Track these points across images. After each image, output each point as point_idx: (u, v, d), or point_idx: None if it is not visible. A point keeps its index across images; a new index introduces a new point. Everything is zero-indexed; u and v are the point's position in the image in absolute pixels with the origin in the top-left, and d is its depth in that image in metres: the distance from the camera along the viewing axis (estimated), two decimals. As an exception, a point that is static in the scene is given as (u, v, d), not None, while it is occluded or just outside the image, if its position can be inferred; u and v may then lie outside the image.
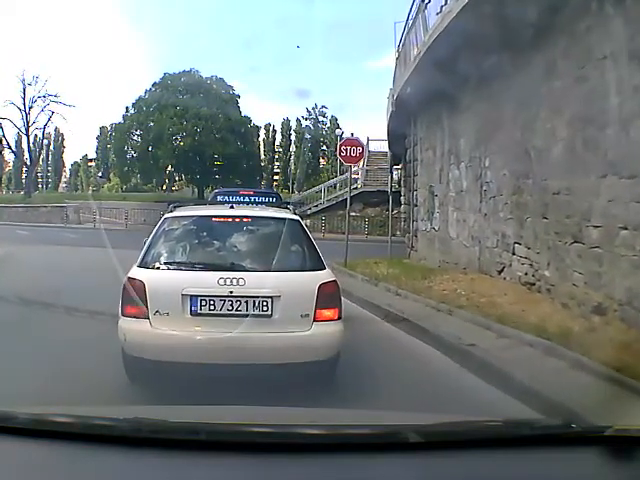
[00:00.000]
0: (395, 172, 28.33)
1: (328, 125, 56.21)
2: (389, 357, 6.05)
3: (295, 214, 5.53)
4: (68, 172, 75.92)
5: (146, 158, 40.63)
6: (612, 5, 6.63)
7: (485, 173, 10.95)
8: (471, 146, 11.75)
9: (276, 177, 61.27)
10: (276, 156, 61.52)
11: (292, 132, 60.38)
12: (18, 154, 52.14)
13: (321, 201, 33.91)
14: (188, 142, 39.57)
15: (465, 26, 9.22)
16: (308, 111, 56.19)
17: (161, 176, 46.79)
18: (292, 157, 59.24)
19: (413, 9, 14.11)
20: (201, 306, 4.50)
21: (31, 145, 48.89)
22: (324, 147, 56.50)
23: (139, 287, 4.55)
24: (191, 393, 3.77)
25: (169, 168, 43.93)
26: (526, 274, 8.94)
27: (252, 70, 75.54)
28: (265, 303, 4.51)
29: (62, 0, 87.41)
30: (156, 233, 5.08)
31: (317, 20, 73.21)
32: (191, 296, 4.50)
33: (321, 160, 57.22)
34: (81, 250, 16.61)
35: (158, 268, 4.84)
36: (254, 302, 4.50)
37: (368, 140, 34.11)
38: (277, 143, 61.91)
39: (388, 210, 18.00)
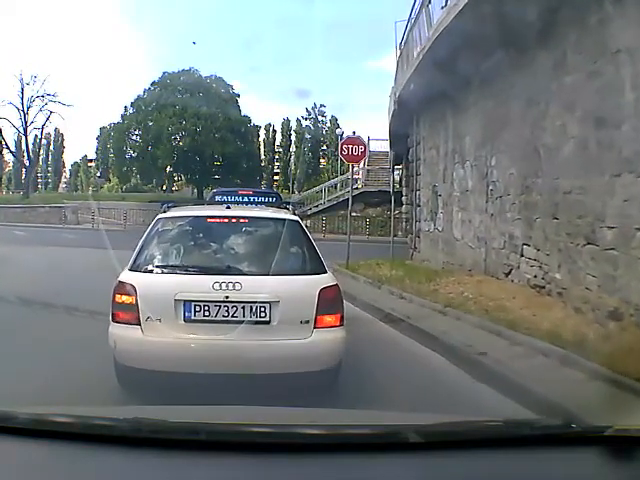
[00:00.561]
0: (396, 172, 28.17)
1: (328, 125, 56.22)
2: (395, 365, 5.74)
3: (295, 214, 5.26)
4: (68, 172, 75.86)
5: (145, 158, 40.32)
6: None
7: (491, 172, 10.69)
8: (476, 145, 11.51)
9: (276, 177, 61.10)
10: (276, 156, 61.33)
11: (292, 132, 60.23)
12: (17, 154, 51.84)
13: (321, 201, 33.81)
14: (187, 142, 39.25)
15: (471, 21, 8.98)
16: (308, 111, 56.32)
17: (160, 176, 46.55)
18: (292, 157, 59.02)
19: (416, 4, 13.87)
20: (195, 312, 4.27)
21: (30, 145, 48.73)
22: (324, 147, 56.54)
23: (130, 292, 4.32)
24: (190, 395, 3.58)
25: (168, 168, 43.60)
26: (535, 276, 8.66)
27: (252, 70, 75.73)
28: (263, 309, 4.28)
29: None
30: (148, 234, 4.83)
31: (317, 20, 73.35)
32: (184, 301, 4.27)
33: (321, 160, 57.18)
34: (80, 251, 16.49)
35: (150, 271, 4.58)
36: (251, 308, 4.27)
37: (369, 140, 33.79)
38: (277, 143, 61.71)
39: (389, 210, 17.84)
